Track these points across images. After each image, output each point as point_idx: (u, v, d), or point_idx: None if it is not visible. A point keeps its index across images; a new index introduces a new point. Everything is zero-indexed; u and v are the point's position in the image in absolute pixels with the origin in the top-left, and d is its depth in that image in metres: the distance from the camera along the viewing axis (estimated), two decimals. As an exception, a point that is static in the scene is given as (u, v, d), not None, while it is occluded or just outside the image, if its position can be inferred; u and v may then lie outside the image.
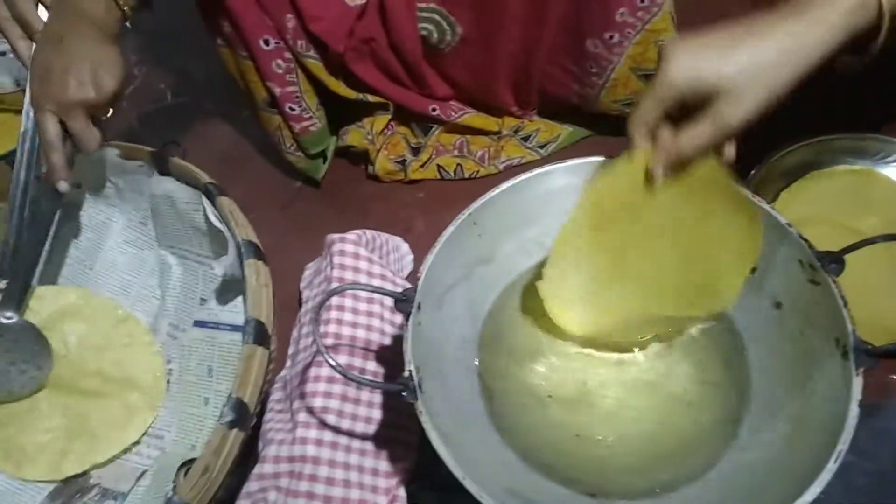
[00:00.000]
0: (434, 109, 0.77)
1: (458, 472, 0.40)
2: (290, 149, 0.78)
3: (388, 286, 0.61)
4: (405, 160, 0.80)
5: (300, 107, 0.73)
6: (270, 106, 0.73)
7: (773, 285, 0.49)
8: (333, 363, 0.43)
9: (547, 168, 0.53)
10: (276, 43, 0.67)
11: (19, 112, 0.86)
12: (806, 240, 0.46)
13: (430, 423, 0.42)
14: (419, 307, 0.47)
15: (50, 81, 0.55)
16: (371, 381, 0.45)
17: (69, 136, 0.57)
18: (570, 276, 0.51)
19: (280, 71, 0.69)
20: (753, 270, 0.50)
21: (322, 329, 0.58)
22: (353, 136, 0.79)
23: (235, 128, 0.90)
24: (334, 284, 0.60)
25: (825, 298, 0.44)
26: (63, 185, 0.58)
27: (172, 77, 0.99)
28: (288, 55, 0.69)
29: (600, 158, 0.52)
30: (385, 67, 0.74)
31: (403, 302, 0.47)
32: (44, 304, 0.64)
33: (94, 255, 0.69)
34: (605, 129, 0.79)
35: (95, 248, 0.69)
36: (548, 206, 0.54)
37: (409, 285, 0.65)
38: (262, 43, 0.67)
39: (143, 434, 0.62)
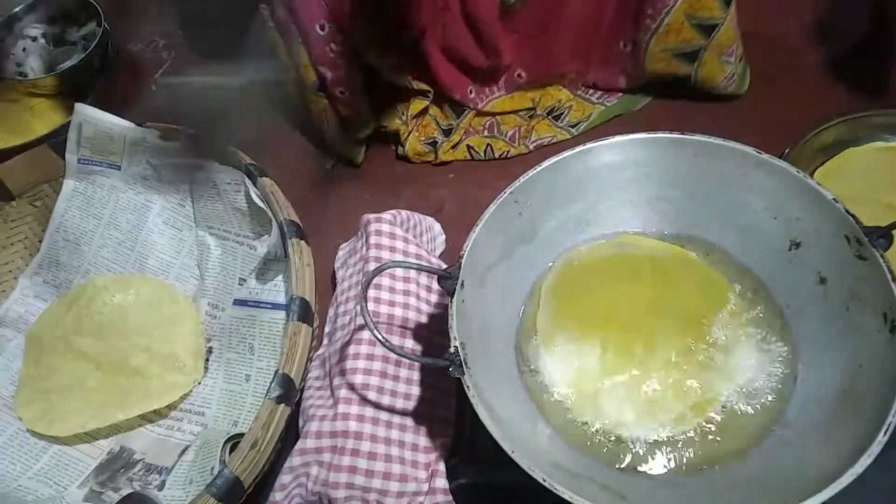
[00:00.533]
0: (471, 92, 0.77)
1: (506, 446, 0.41)
2: (332, 132, 0.78)
3: (424, 265, 0.62)
4: (436, 142, 0.80)
5: (350, 91, 0.73)
6: (319, 89, 0.73)
7: (817, 260, 0.49)
8: (381, 338, 0.44)
9: (589, 145, 0.52)
10: (329, 27, 0.68)
11: (52, 96, 0.89)
12: (853, 215, 0.46)
13: (478, 398, 0.43)
14: (462, 285, 0.48)
15: None
16: (420, 357, 0.45)
17: None
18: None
19: (332, 55, 0.70)
20: (797, 246, 0.50)
21: (359, 308, 0.59)
22: (388, 118, 0.79)
23: (265, 108, 0.89)
24: (371, 264, 0.61)
25: (873, 273, 0.44)
26: None
27: (201, 60, 1.00)
28: (340, 39, 0.69)
29: (641, 135, 0.52)
30: (450, 44, 0.74)
31: (447, 280, 0.48)
32: (114, 293, 0.67)
33: (134, 237, 0.70)
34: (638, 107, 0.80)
35: (135, 230, 0.70)
36: (588, 184, 0.54)
37: (443, 264, 0.66)
38: (317, 28, 0.67)
39: (173, 408, 0.64)
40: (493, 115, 0.81)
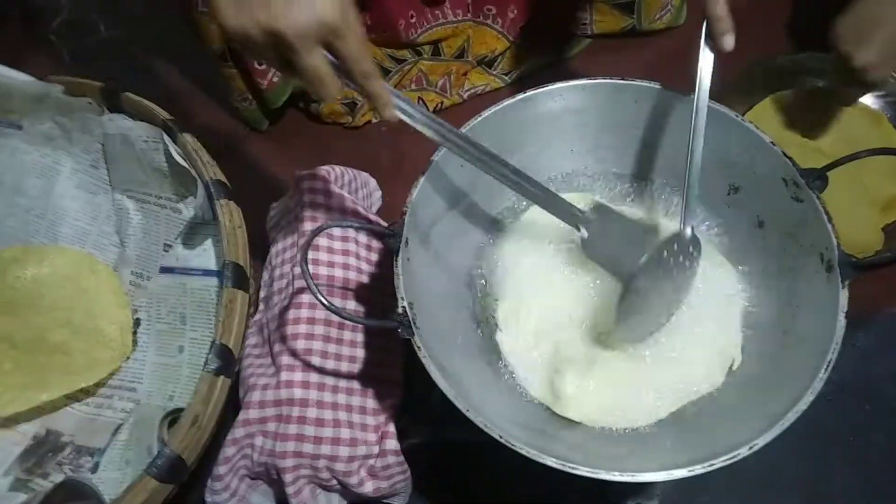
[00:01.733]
0: (412, 17, 0.72)
1: (461, 405, 0.40)
2: (237, 99, 0.73)
3: (366, 224, 0.60)
4: (355, 103, 0.75)
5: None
6: (224, 60, 0.68)
7: (755, 204, 0.50)
8: (326, 302, 0.42)
9: (530, 93, 0.51)
10: None
11: None
12: (790, 158, 0.46)
13: (429, 358, 0.42)
14: (406, 242, 0.46)
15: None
16: (367, 320, 0.44)
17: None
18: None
19: None
20: (736, 190, 0.50)
21: (296, 270, 0.56)
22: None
23: (176, 65, 0.84)
24: (307, 223, 0.58)
25: (809, 215, 0.45)
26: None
27: (104, 6, 0.91)
28: None
29: (582, 81, 0.51)
30: None
31: (391, 237, 0.46)
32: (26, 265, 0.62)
33: (43, 204, 0.64)
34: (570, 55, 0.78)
35: (44, 196, 0.64)
36: (529, 133, 0.53)
37: (382, 222, 0.64)
38: None
39: (101, 385, 0.61)
40: (420, 70, 0.77)
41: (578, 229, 0.48)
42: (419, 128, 0.44)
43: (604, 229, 0.48)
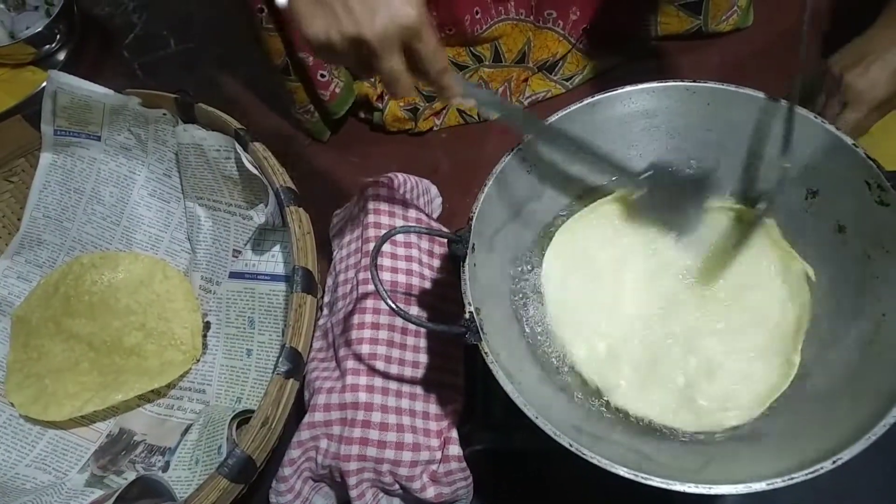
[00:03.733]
0: (477, 13, 0.72)
1: (530, 413, 0.39)
2: (299, 111, 0.74)
3: (434, 230, 0.60)
4: (417, 108, 0.76)
5: (329, 72, 0.70)
6: (286, 73, 0.70)
7: (835, 209, 0.48)
8: (396, 307, 0.42)
9: (598, 97, 0.50)
10: None
11: (17, 66, 0.84)
12: (874, 160, 0.44)
13: (497, 365, 0.41)
14: (473, 248, 0.46)
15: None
16: (435, 325, 0.44)
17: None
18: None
19: None
20: (814, 194, 0.48)
21: (361, 276, 0.57)
22: (358, 84, 0.75)
23: (241, 78, 0.86)
24: (371, 230, 0.59)
25: (895, 219, 0.43)
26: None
27: (174, 23, 0.95)
28: None
29: (651, 84, 0.50)
30: None
31: (457, 243, 0.46)
32: (103, 271, 0.64)
33: (119, 211, 0.67)
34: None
35: (120, 204, 0.67)
36: (597, 138, 0.52)
37: (444, 228, 0.64)
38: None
39: (172, 386, 0.62)
40: (481, 77, 0.77)
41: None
42: (488, 110, 0.44)
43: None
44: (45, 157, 0.67)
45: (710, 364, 0.48)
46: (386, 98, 0.75)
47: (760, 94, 0.49)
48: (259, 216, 0.56)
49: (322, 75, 0.70)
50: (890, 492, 0.53)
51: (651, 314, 0.50)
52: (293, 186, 0.55)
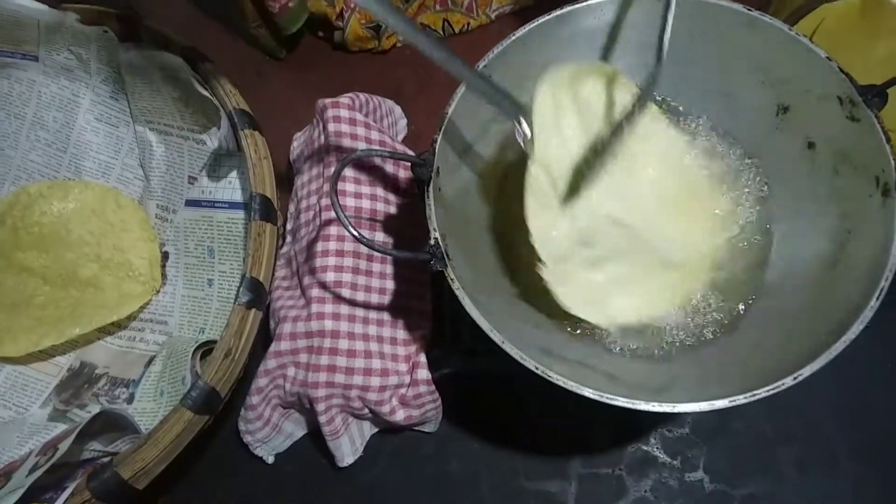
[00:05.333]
0: None
1: (496, 337, 0.39)
2: (252, 25, 0.70)
3: (397, 153, 0.58)
4: (379, 26, 0.72)
5: None
6: None
7: (805, 125, 0.47)
8: (357, 234, 0.41)
9: (567, 9, 0.48)
10: None
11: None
12: (847, 74, 0.43)
13: (463, 291, 0.40)
14: (437, 171, 0.44)
15: None
16: (399, 252, 0.42)
17: None
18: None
19: None
20: (786, 110, 0.47)
21: (323, 202, 0.55)
22: (313, 1, 0.71)
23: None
24: (332, 154, 0.56)
25: (865, 135, 0.42)
26: None
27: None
28: None
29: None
30: None
31: (421, 167, 0.44)
32: (52, 200, 0.61)
33: (65, 137, 0.63)
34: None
35: (65, 129, 0.63)
36: (564, 53, 0.49)
37: (409, 151, 0.62)
38: None
39: (133, 318, 0.61)
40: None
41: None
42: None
43: None
44: (-22, 81, 0.63)
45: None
46: (346, 16, 0.71)
47: (736, 6, 0.47)
48: (212, 140, 0.53)
49: None
50: (841, 404, 0.55)
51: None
52: (248, 109, 0.52)
